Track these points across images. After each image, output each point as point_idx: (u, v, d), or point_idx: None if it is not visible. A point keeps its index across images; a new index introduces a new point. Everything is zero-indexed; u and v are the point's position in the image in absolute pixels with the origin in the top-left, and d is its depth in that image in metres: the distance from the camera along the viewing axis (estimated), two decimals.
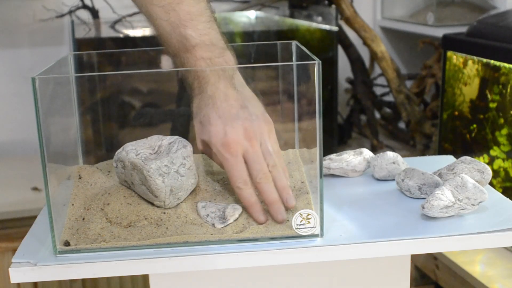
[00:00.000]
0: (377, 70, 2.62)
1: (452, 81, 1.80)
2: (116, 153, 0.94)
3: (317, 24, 2.31)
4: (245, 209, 0.90)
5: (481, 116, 1.69)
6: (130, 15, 2.36)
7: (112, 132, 1.29)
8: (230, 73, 0.90)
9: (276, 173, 0.89)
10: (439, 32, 2.09)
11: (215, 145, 0.88)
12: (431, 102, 2.37)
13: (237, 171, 0.88)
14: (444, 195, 0.91)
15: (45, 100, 0.84)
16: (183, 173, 0.91)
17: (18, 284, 1.86)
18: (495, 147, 1.65)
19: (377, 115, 2.59)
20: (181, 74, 0.94)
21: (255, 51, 1.14)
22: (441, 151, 1.84)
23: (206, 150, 0.92)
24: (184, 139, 0.94)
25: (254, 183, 0.89)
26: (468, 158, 1.04)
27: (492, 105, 1.65)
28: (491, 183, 1.04)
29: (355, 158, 1.09)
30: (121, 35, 2.23)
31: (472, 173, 1.01)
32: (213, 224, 0.89)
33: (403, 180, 1.01)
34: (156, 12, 0.91)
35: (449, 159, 1.17)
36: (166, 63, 1.23)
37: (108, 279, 1.97)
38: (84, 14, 2.34)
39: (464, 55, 1.75)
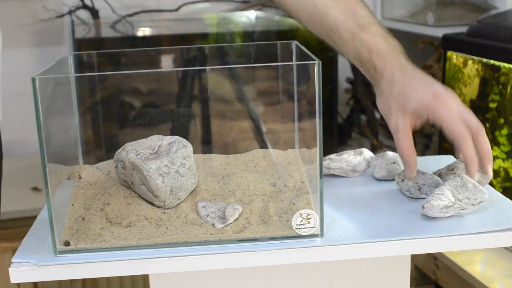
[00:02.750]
0: None
1: (452, 81, 1.80)
2: (116, 153, 0.94)
3: None
4: (466, 164, 0.91)
5: (481, 116, 1.69)
6: (130, 15, 2.36)
7: (112, 132, 1.29)
8: (401, 48, 0.97)
9: (482, 134, 0.91)
10: (439, 32, 2.09)
11: (428, 105, 0.89)
12: None
13: (458, 124, 0.89)
14: (444, 195, 0.91)
15: (45, 100, 0.84)
16: (183, 173, 0.91)
17: (18, 284, 1.86)
18: (495, 147, 1.65)
19: (377, 115, 2.59)
20: (357, 59, 0.97)
21: (255, 51, 1.15)
22: (441, 151, 1.84)
23: (405, 125, 0.92)
24: (184, 139, 0.94)
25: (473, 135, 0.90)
26: None
27: (492, 105, 1.65)
28: (491, 183, 1.04)
29: (355, 158, 1.09)
30: (121, 35, 2.23)
31: None
32: (213, 224, 0.89)
33: (403, 180, 1.01)
34: (324, 1, 0.97)
35: (449, 159, 1.17)
36: (166, 63, 1.23)
37: (108, 279, 1.97)
38: (84, 14, 2.34)
39: (464, 55, 1.75)
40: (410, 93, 0.91)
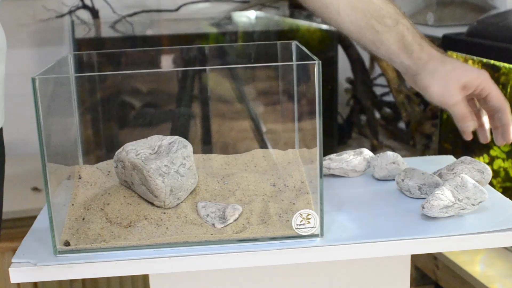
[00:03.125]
0: (377, 70, 2.62)
1: None
2: (116, 153, 0.94)
3: (317, 24, 2.31)
4: (501, 129, 1.02)
5: None
6: (130, 15, 2.36)
7: (112, 132, 1.29)
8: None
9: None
10: (439, 32, 2.09)
11: (479, 76, 1.01)
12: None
13: (498, 90, 1.01)
14: (444, 195, 0.91)
15: (45, 100, 0.84)
16: (183, 173, 0.91)
17: (18, 284, 1.87)
18: (495, 147, 1.65)
19: (377, 115, 2.59)
20: (401, 43, 1.04)
21: (255, 51, 1.15)
22: (441, 151, 1.84)
23: (461, 92, 1.01)
24: (184, 139, 0.94)
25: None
26: (468, 158, 1.04)
27: None
28: (491, 183, 1.04)
29: (355, 158, 1.09)
30: (121, 35, 2.23)
31: (472, 173, 1.01)
32: (213, 224, 0.89)
33: (403, 180, 1.01)
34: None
35: (449, 159, 1.17)
36: (166, 63, 1.23)
37: (108, 279, 1.97)
38: (84, 14, 2.34)
39: (464, 55, 1.75)
40: (462, 67, 1.02)
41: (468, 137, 1.04)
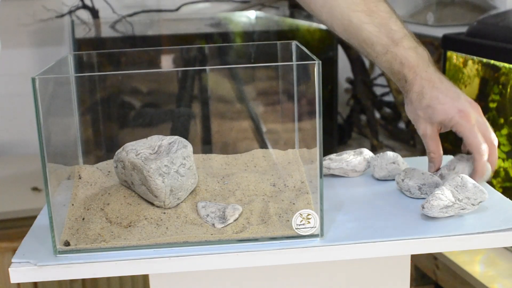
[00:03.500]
0: (377, 70, 2.62)
1: (452, 81, 1.79)
2: (116, 153, 0.94)
3: (317, 24, 2.31)
4: (474, 174, 0.99)
5: None
6: (130, 15, 2.36)
7: (112, 132, 1.29)
8: (430, 58, 1.04)
9: (495, 150, 1.02)
10: (439, 32, 2.09)
11: (452, 119, 0.99)
12: None
13: (478, 138, 0.99)
14: (444, 195, 0.91)
15: (45, 100, 0.84)
16: (183, 173, 0.91)
17: (18, 284, 1.87)
18: None
19: (377, 115, 2.59)
20: (390, 70, 1.05)
21: (255, 51, 1.15)
22: None
23: (433, 132, 1.03)
24: (184, 139, 0.94)
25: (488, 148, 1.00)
26: (465, 155, 1.04)
27: (492, 105, 1.65)
28: (491, 183, 1.04)
29: (355, 158, 1.09)
30: (121, 35, 2.23)
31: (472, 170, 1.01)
32: (213, 224, 0.89)
33: (403, 180, 1.01)
34: (359, 17, 1.03)
35: (449, 159, 1.17)
36: (166, 63, 1.23)
37: (108, 279, 1.97)
38: (84, 14, 2.34)
39: (464, 55, 1.75)
40: (437, 106, 1.00)
41: (431, 171, 1.05)
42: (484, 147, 0.99)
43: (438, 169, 1.05)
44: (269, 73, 1.14)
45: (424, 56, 1.03)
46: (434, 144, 1.04)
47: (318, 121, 0.85)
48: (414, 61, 1.02)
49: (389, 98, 2.56)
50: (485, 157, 0.99)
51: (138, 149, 0.93)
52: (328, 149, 1.02)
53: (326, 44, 2.31)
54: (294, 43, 1.07)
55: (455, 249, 0.89)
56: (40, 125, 0.83)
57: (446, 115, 1.00)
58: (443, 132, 1.05)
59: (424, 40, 2.36)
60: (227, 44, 2.08)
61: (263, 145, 1.12)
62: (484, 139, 1.00)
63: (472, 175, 1.00)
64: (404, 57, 1.02)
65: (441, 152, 1.05)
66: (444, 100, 1.00)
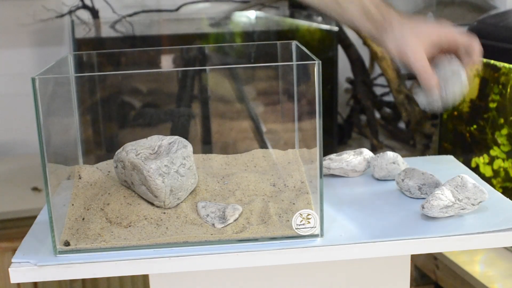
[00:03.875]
0: (377, 70, 2.62)
1: None
2: (116, 153, 0.94)
3: (317, 24, 2.31)
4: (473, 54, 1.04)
5: (481, 116, 1.69)
6: (130, 15, 2.36)
7: (112, 132, 1.29)
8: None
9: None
10: None
11: (439, 26, 1.03)
12: None
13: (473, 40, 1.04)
14: (444, 195, 0.91)
15: (45, 100, 0.84)
16: (183, 173, 0.91)
17: (18, 284, 1.86)
18: (495, 147, 1.65)
19: (377, 115, 2.59)
20: (363, 12, 1.06)
21: (255, 51, 1.14)
22: (441, 151, 1.84)
23: (423, 51, 1.02)
24: (184, 139, 0.94)
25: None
26: (445, 58, 1.06)
27: (492, 105, 1.65)
28: (491, 183, 1.04)
29: (355, 158, 1.09)
30: (121, 35, 2.23)
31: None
32: (213, 224, 0.89)
33: (403, 180, 1.01)
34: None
35: (449, 159, 1.17)
36: (166, 63, 1.23)
37: (108, 279, 1.97)
38: (84, 14, 2.34)
39: None
40: (422, 24, 1.04)
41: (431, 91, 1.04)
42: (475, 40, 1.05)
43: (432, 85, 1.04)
44: (269, 73, 1.14)
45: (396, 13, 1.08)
46: (426, 64, 1.03)
47: (318, 121, 0.85)
48: (387, 15, 1.05)
49: (389, 98, 2.56)
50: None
51: (138, 149, 0.93)
52: (328, 149, 1.02)
53: (326, 44, 2.31)
54: (294, 43, 1.07)
55: (455, 249, 0.89)
56: (40, 125, 0.83)
57: (433, 26, 1.04)
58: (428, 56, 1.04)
59: None
60: (227, 44, 2.08)
61: (263, 145, 1.12)
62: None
63: (466, 60, 1.04)
64: (391, 24, 1.05)
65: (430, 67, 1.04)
66: (424, 22, 1.05)
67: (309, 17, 2.38)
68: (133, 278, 1.99)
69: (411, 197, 1.00)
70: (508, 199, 0.98)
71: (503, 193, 1.04)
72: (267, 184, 0.98)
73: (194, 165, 0.94)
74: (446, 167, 1.12)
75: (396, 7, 1.10)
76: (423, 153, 2.19)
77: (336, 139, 2.38)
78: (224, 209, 0.90)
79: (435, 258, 1.76)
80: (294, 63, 1.05)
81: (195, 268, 0.86)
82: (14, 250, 0.88)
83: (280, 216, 0.90)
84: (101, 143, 1.24)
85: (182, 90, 1.75)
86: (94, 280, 1.98)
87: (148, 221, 0.90)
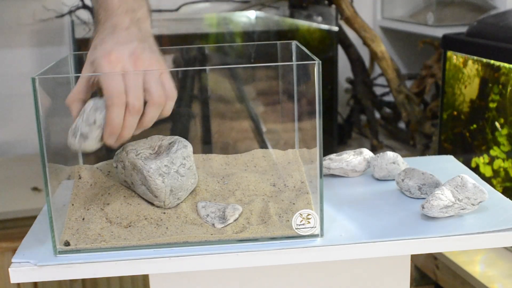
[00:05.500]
0: (377, 70, 2.62)
1: (452, 81, 1.80)
2: (116, 153, 0.94)
3: (317, 24, 2.31)
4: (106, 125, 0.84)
5: (481, 116, 1.69)
6: None
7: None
8: (139, 16, 0.89)
9: (153, 109, 0.84)
10: (439, 32, 2.09)
11: (97, 59, 0.84)
12: (431, 102, 2.37)
13: (112, 85, 0.82)
14: (444, 195, 0.91)
15: (45, 100, 0.84)
16: (183, 173, 0.91)
17: (18, 284, 1.86)
18: (495, 147, 1.65)
19: (377, 115, 2.59)
20: (93, 3, 0.92)
21: (255, 51, 1.14)
22: (441, 151, 1.84)
23: (86, 70, 0.87)
24: (184, 139, 0.94)
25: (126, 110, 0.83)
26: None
27: (492, 105, 1.65)
28: (491, 183, 1.04)
29: (355, 158, 1.09)
30: None
31: None
32: (213, 224, 0.89)
33: (403, 180, 1.01)
34: None
35: (449, 159, 1.17)
36: (166, 63, 1.23)
37: (108, 279, 1.97)
38: (84, 14, 2.34)
39: (464, 55, 1.75)
40: (98, 47, 0.86)
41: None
42: (118, 94, 0.81)
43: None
44: (269, 73, 1.14)
45: (129, 7, 0.89)
46: (77, 87, 0.87)
47: (318, 121, 0.85)
48: (112, 5, 0.89)
49: (389, 98, 2.56)
50: (116, 107, 0.82)
51: (138, 149, 0.93)
52: (328, 149, 1.02)
53: (326, 44, 2.31)
54: (294, 43, 1.07)
55: (455, 249, 0.89)
56: (40, 125, 0.83)
57: (96, 56, 0.85)
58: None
59: (424, 40, 2.36)
60: (227, 44, 2.08)
61: (263, 145, 1.12)
62: (126, 91, 0.82)
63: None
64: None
65: (78, 103, 0.87)
66: (108, 41, 0.86)
67: (309, 17, 2.38)
68: (133, 278, 1.99)
69: (411, 197, 1.00)
70: (508, 199, 0.98)
71: (503, 193, 1.04)
72: (267, 184, 0.98)
73: (194, 165, 0.94)
74: (446, 167, 1.12)
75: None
76: (423, 153, 2.19)
77: (336, 139, 2.38)
78: (224, 209, 0.90)
79: (435, 258, 1.76)
80: (294, 63, 1.05)
81: (195, 268, 0.86)
82: (14, 250, 0.88)
83: (280, 216, 0.90)
84: None
85: (182, 90, 1.75)
86: (94, 280, 1.98)
87: (148, 221, 0.90)
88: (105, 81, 0.83)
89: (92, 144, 0.85)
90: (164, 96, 0.85)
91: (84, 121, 0.85)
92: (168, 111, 0.87)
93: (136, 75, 0.83)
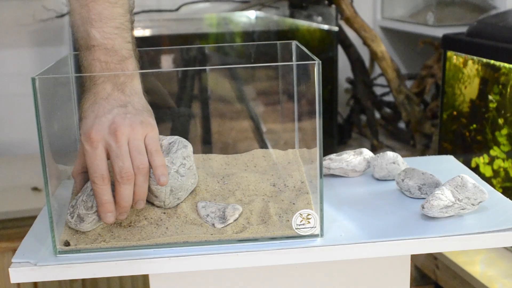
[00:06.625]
0: (377, 70, 2.62)
1: (452, 81, 1.80)
2: None
3: (317, 24, 2.31)
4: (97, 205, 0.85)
5: (481, 116, 1.69)
6: None
7: None
8: (123, 80, 0.87)
9: (139, 177, 0.84)
10: (439, 32, 2.09)
11: (81, 137, 0.84)
12: (431, 102, 2.37)
13: (94, 165, 0.83)
14: (444, 195, 0.91)
15: (45, 100, 0.84)
16: (183, 173, 0.91)
17: (18, 284, 1.86)
18: (495, 147, 1.65)
19: (377, 115, 2.59)
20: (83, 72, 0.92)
21: (255, 51, 1.14)
22: (441, 151, 1.84)
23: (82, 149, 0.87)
24: (184, 139, 0.94)
25: (114, 180, 0.84)
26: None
27: (492, 105, 1.65)
28: (491, 183, 1.04)
29: (355, 158, 1.09)
30: None
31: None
32: (213, 224, 0.89)
33: (403, 180, 1.01)
34: (73, 4, 0.91)
35: (449, 159, 1.17)
36: (166, 63, 1.23)
37: (108, 279, 1.97)
38: None
39: (464, 55, 1.75)
40: (83, 120, 0.86)
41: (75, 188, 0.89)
42: (99, 175, 0.83)
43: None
44: (269, 73, 1.14)
45: (109, 75, 0.88)
46: (82, 161, 0.88)
47: (318, 121, 0.85)
48: (95, 71, 0.88)
49: (389, 98, 2.56)
50: (100, 187, 0.83)
51: None
52: (328, 149, 1.02)
53: (326, 44, 2.31)
54: (294, 43, 1.07)
55: (455, 249, 0.89)
56: (40, 125, 0.83)
57: (80, 131, 0.85)
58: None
59: (424, 40, 2.36)
60: (227, 44, 2.08)
61: (263, 145, 1.12)
62: (113, 167, 0.84)
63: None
64: (87, 65, 0.89)
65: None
66: (89, 114, 0.85)
67: (309, 17, 2.38)
68: (133, 278, 1.99)
69: (411, 197, 1.00)
70: (508, 199, 0.98)
71: (503, 193, 1.04)
72: (267, 184, 0.98)
73: (194, 165, 0.94)
74: (446, 167, 1.12)
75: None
76: (423, 153, 2.19)
77: (336, 139, 2.38)
78: (224, 209, 0.90)
79: (435, 258, 1.76)
80: (294, 63, 1.05)
81: (195, 268, 0.86)
82: (14, 250, 0.88)
83: (280, 216, 0.90)
84: None
85: (182, 90, 1.75)
86: (94, 280, 1.98)
87: (148, 221, 0.90)
88: (88, 162, 0.83)
89: (88, 227, 0.88)
90: (146, 163, 0.85)
91: (83, 201, 0.87)
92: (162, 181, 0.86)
93: (119, 147, 0.83)
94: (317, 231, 0.87)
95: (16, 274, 0.83)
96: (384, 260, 0.96)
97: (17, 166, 2.32)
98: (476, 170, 1.68)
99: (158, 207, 0.91)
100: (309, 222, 0.87)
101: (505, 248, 1.66)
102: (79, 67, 0.91)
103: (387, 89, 2.57)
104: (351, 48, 2.44)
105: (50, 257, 0.85)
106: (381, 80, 2.58)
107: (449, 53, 1.80)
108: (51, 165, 0.85)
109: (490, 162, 1.67)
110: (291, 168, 1.02)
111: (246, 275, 0.95)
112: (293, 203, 0.93)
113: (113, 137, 0.84)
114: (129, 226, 0.89)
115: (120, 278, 1.98)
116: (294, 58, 1.07)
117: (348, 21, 2.26)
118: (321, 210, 0.87)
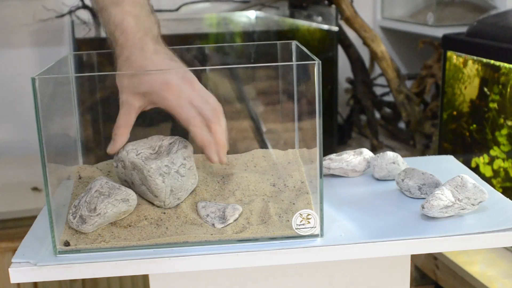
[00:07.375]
0: (377, 70, 2.62)
1: (452, 81, 1.80)
2: (116, 153, 0.94)
3: (317, 24, 2.31)
4: (201, 148, 0.89)
5: (481, 116, 1.69)
6: None
7: (112, 132, 1.28)
8: (156, 33, 0.92)
9: (222, 118, 0.90)
10: (439, 32, 2.09)
11: (155, 92, 0.88)
12: (431, 102, 2.37)
13: (185, 110, 0.87)
14: (444, 195, 0.91)
15: (45, 100, 0.84)
16: (183, 173, 0.91)
17: (18, 284, 1.86)
18: (495, 147, 1.65)
19: (377, 115, 2.59)
20: (107, 29, 0.94)
21: (255, 51, 1.14)
22: (441, 151, 1.84)
23: (133, 105, 0.91)
24: (185, 139, 0.94)
25: (207, 125, 0.89)
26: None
27: (492, 105, 1.65)
28: (491, 183, 1.04)
29: (355, 158, 1.09)
30: None
31: None
32: (213, 224, 0.89)
33: (403, 180, 1.01)
34: None
35: (449, 159, 1.17)
36: None
37: (108, 279, 1.97)
38: (84, 14, 2.34)
39: (464, 55, 1.75)
40: (142, 76, 0.90)
41: (109, 150, 0.93)
42: (194, 118, 0.88)
43: (115, 149, 0.93)
44: (269, 73, 1.14)
45: (146, 26, 0.92)
46: (126, 119, 0.92)
47: (318, 121, 0.85)
48: (129, 27, 0.91)
49: (389, 98, 2.56)
50: (198, 126, 0.88)
51: (139, 149, 0.93)
52: (328, 149, 1.02)
53: (326, 44, 2.31)
54: (294, 43, 1.07)
55: (455, 249, 0.89)
56: (40, 125, 0.83)
57: (150, 87, 0.89)
58: (148, 109, 0.93)
59: (424, 40, 2.36)
60: (227, 44, 2.08)
61: (263, 145, 1.12)
62: (201, 110, 0.89)
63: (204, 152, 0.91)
64: (119, 19, 0.92)
65: (128, 131, 0.93)
66: (148, 68, 0.90)
67: (309, 17, 2.38)
68: (133, 278, 1.99)
69: (411, 197, 1.00)
70: (508, 199, 0.98)
71: (503, 193, 1.04)
72: (267, 184, 0.98)
73: (194, 165, 0.94)
74: (446, 167, 1.12)
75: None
76: (423, 153, 2.19)
77: (336, 139, 2.38)
78: (224, 209, 0.90)
79: (435, 258, 1.76)
80: (294, 63, 1.05)
81: (195, 268, 0.86)
82: (14, 250, 0.88)
83: (280, 216, 0.90)
84: (101, 143, 1.24)
85: None
86: (94, 280, 1.98)
87: (148, 221, 0.90)
88: (177, 111, 0.88)
89: (90, 229, 0.88)
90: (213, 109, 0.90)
91: (87, 202, 0.88)
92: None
93: (198, 94, 0.89)
94: (317, 231, 0.87)
95: (16, 274, 0.83)
96: (384, 260, 0.96)
97: (17, 166, 2.32)
98: (476, 170, 1.68)
99: (158, 207, 0.91)
100: (309, 222, 0.87)
101: (505, 248, 1.66)
102: (104, 26, 0.93)
103: (387, 89, 2.57)
104: (351, 48, 2.44)
105: (50, 257, 0.85)
106: (381, 80, 2.58)
107: (449, 53, 1.80)
108: (51, 165, 0.85)
109: (490, 162, 1.67)
110: (291, 168, 1.02)
111: (246, 275, 0.95)
112: (293, 203, 0.93)
113: (189, 86, 0.88)
114: (129, 226, 0.89)
115: (120, 278, 1.98)
116: (294, 58, 1.07)
117: (348, 21, 2.26)
118: (321, 210, 0.87)
